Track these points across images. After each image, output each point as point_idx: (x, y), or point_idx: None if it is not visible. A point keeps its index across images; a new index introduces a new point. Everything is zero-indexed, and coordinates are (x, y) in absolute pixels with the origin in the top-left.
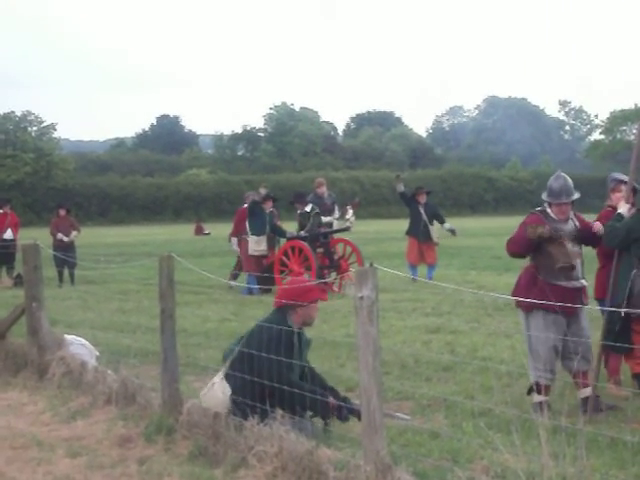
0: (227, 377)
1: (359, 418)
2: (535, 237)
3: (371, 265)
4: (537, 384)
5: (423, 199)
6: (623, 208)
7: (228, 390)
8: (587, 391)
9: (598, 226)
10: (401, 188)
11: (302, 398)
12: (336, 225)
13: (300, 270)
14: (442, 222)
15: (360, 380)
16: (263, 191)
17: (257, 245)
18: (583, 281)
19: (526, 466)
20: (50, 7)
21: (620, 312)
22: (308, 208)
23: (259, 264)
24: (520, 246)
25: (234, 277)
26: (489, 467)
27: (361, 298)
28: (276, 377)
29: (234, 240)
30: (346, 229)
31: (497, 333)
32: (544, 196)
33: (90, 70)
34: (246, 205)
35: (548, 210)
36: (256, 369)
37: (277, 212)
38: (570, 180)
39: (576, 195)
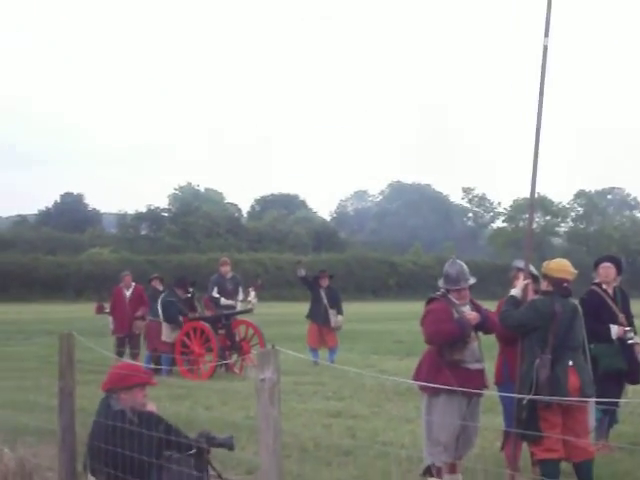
0: (93, 471)
1: (230, 448)
2: (469, 334)
3: (273, 347)
4: (431, 467)
5: (325, 283)
6: (515, 290)
7: None
8: (459, 477)
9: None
10: (302, 273)
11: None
12: (239, 307)
13: (201, 351)
14: (339, 312)
15: (261, 462)
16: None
17: (171, 333)
18: (483, 364)
19: None
20: None
21: (525, 400)
22: (215, 293)
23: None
24: (448, 340)
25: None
26: None
27: (262, 380)
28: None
29: (110, 319)
30: (248, 311)
31: (398, 418)
32: (441, 283)
33: None
34: (132, 286)
35: (449, 295)
36: (109, 462)
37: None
38: (465, 265)
39: (472, 280)
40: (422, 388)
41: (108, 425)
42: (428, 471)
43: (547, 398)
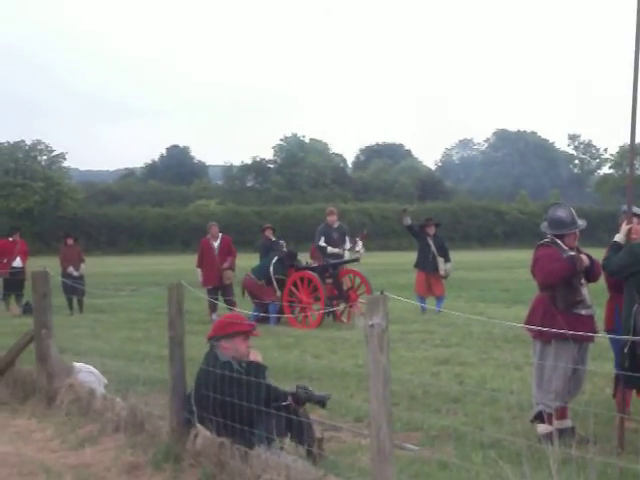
0: (202, 420)
1: (323, 405)
2: (583, 269)
3: (382, 293)
4: (542, 413)
5: (432, 231)
6: (619, 235)
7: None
8: (568, 422)
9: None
10: (408, 221)
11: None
12: (347, 256)
13: (309, 300)
14: (447, 260)
15: (370, 409)
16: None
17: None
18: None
19: None
20: (60, 34)
21: (626, 348)
22: (322, 242)
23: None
24: (562, 278)
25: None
26: None
27: (372, 326)
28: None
29: (198, 271)
30: (356, 260)
31: (506, 365)
32: (546, 228)
33: (100, 100)
34: (219, 237)
35: (558, 241)
36: (217, 411)
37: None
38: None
39: (583, 223)
40: (535, 334)
41: (216, 375)
42: (539, 417)
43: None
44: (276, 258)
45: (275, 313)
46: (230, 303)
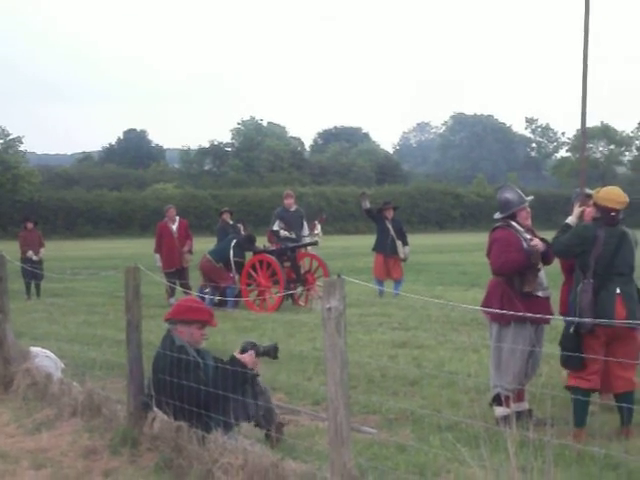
0: (160, 405)
1: (269, 355)
2: (537, 262)
3: (339, 276)
4: (500, 396)
5: (390, 214)
6: (571, 218)
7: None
8: (525, 404)
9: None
10: (366, 205)
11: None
12: (306, 240)
13: (267, 284)
14: (405, 243)
15: (327, 392)
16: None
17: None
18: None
19: (493, 479)
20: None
21: (572, 328)
22: (275, 226)
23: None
24: (516, 270)
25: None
26: None
27: (329, 309)
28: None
29: (157, 256)
30: (314, 243)
31: (464, 347)
32: (499, 215)
33: (57, 83)
34: (177, 220)
35: (513, 223)
36: (174, 394)
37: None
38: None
39: (530, 197)
40: (493, 317)
41: (173, 359)
42: (496, 400)
43: (595, 321)
44: (235, 241)
45: (233, 297)
46: (186, 287)
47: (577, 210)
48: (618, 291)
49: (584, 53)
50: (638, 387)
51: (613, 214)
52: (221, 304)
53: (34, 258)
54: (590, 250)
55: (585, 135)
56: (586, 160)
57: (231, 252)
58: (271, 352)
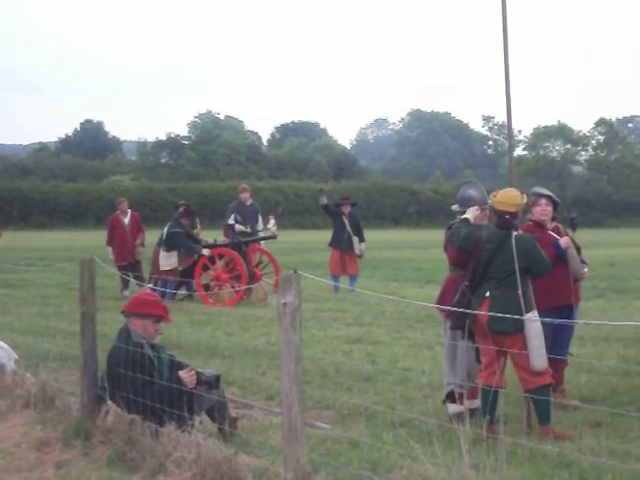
0: (113, 398)
1: (211, 386)
2: None
3: (295, 272)
4: (454, 393)
5: (347, 210)
6: (470, 213)
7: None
8: (478, 402)
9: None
10: (324, 201)
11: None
12: (261, 234)
13: (226, 278)
14: (361, 240)
15: (282, 387)
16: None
17: (167, 260)
18: None
19: (446, 476)
20: None
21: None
22: (231, 220)
23: (174, 274)
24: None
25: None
26: (409, 477)
27: (284, 304)
28: (140, 394)
29: (109, 249)
30: (272, 237)
31: (418, 344)
32: (459, 207)
33: (13, 73)
34: (129, 213)
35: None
36: (128, 388)
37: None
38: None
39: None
40: (447, 314)
41: (128, 354)
42: (450, 397)
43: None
44: (169, 223)
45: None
46: (139, 279)
47: (473, 209)
48: (487, 294)
49: (504, 53)
50: (538, 385)
51: (507, 217)
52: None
53: None
54: (473, 252)
55: (511, 136)
56: (543, 159)
57: (163, 236)
58: (210, 381)
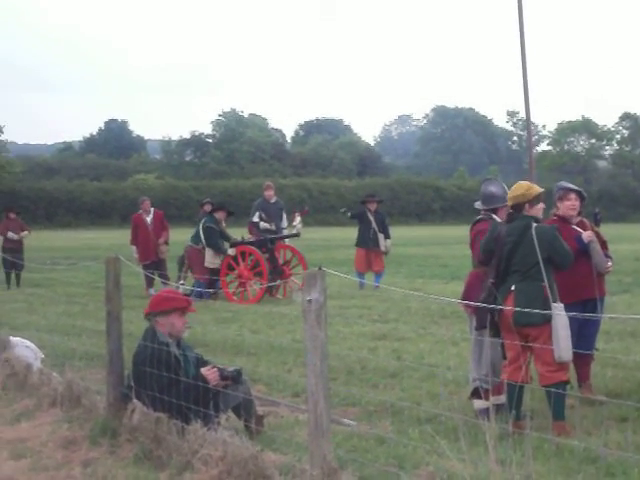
0: (139, 396)
1: (235, 380)
2: None
3: (320, 268)
4: (479, 389)
5: (373, 207)
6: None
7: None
8: (503, 397)
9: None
10: (349, 214)
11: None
12: (285, 232)
13: (249, 276)
14: (386, 237)
15: (307, 384)
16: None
17: (214, 259)
18: None
19: (473, 472)
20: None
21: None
22: (255, 218)
23: (210, 272)
24: None
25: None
26: (435, 473)
27: (309, 301)
28: (166, 392)
29: (133, 248)
30: (296, 235)
31: (444, 340)
32: (480, 205)
33: (37, 73)
34: (151, 212)
35: (494, 216)
36: (154, 387)
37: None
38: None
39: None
40: (472, 310)
41: (154, 353)
42: (475, 393)
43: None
44: (203, 220)
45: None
46: (164, 277)
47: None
48: (512, 288)
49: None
50: (555, 381)
51: (510, 210)
52: (203, 295)
53: (15, 237)
54: (494, 249)
55: (530, 132)
56: (568, 154)
57: (201, 233)
58: (234, 376)
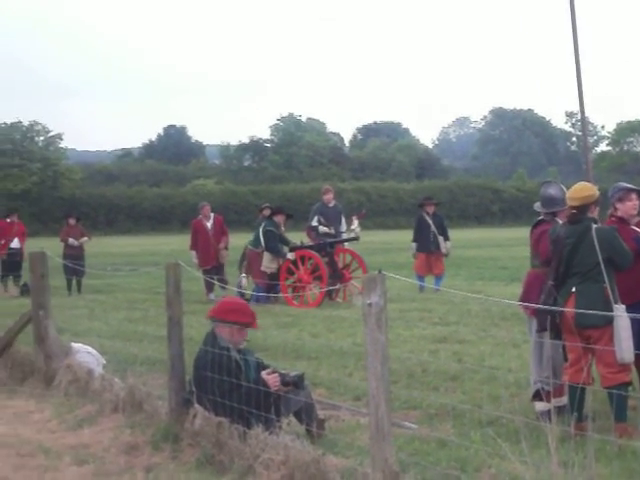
0: (200, 401)
1: (296, 385)
2: None
3: (379, 272)
4: (540, 392)
5: (431, 210)
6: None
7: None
8: (565, 399)
9: None
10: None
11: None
12: (344, 236)
13: (309, 280)
14: (446, 239)
15: (368, 387)
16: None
17: (271, 263)
18: None
19: (535, 474)
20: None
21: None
22: (314, 222)
23: (269, 276)
24: None
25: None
26: (497, 476)
27: (369, 305)
28: (227, 397)
29: (193, 253)
30: (355, 239)
31: (504, 342)
32: (540, 207)
33: (96, 80)
34: (211, 217)
35: (556, 218)
36: (215, 392)
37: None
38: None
39: None
40: (532, 312)
41: (215, 358)
42: (537, 395)
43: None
44: (263, 224)
45: (259, 292)
46: (223, 282)
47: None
48: (573, 289)
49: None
50: (617, 382)
51: (574, 211)
52: (265, 299)
53: (75, 244)
54: (554, 250)
55: (586, 130)
56: (627, 154)
57: (261, 237)
58: (297, 382)
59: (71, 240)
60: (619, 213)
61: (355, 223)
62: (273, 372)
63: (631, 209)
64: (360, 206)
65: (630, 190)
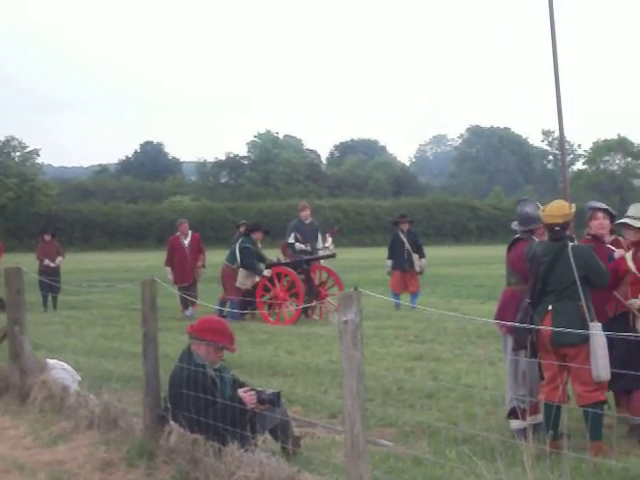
0: (176, 418)
1: (273, 404)
2: None
3: (355, 289)
4: (516, 409)
5: (406, 227)
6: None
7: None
8: (540, 417)
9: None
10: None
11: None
12: (320, 253)
13: (285, 297)
14: (421, 256)
15: (344, 405)
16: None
17: (245, 279)
18: None
19: None
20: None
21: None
22: (291, 239)
23: (243, 292)
24: None
25: (221, 304)
26: None
27: (345, 322)
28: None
29: (168, 269)
30: (332, 256)
31: (480, 360)
32: (517, 226)
33: (73, 96)
34: (189, 234)
35: (533, 236)
36: (191, 408)
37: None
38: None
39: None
40: (508, 330)
41: (190, 375)
42: (513, 413)
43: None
44: (240, 240)
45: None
46: (193, 297)
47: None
48: (550, 307)
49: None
50: (593, 401)
51: (557, 228)
52: (239, 316)
53: (51, 265)
54: (530, 268)
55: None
56: (604, 173)
57: (237, 253)
58: (273, 400)
59: (47, 262)
60: (592, 231)
61: (329, 240)
62: (250, 390)
63: (598, 228)
64: (335, 223)
65: (597, 209)
